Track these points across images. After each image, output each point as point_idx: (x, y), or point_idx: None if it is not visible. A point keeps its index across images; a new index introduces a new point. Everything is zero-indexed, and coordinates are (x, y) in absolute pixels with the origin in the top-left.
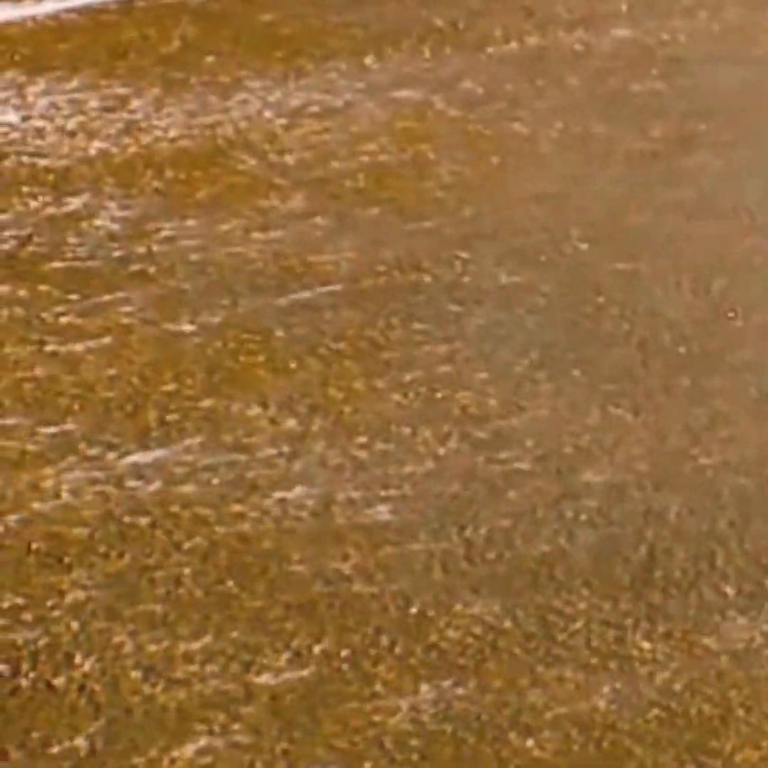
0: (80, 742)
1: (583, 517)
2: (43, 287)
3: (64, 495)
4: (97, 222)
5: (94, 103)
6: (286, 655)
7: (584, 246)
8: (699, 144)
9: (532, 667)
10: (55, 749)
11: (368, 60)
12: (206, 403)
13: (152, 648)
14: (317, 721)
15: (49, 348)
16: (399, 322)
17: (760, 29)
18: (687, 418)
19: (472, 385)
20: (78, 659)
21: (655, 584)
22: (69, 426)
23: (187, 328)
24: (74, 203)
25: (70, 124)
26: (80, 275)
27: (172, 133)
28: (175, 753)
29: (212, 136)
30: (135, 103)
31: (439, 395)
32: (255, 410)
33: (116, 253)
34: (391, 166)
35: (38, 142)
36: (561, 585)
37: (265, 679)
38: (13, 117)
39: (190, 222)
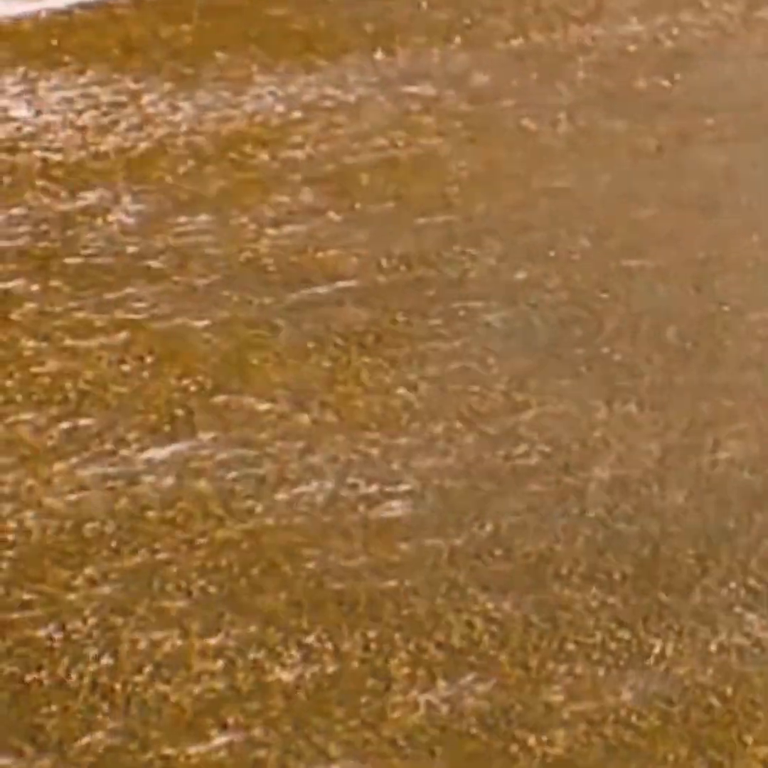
0: (95, 738)
1: (590, 513)
2: (56, 282)
3: (77, 490)
4: (110, 217)
5: (106, 98)
6: (299, 652)
7: (591, 242)
8: (705, 139)
9: (544, 664)
10: (69, 746)
11: (379, 55)
12: (218, 398)
13: (166, 644)
14: (331, 718)
15: (62, 343)
16: (408, 318)
17: (767, 25)
18: (693, 413)
19: (480, 380)
20: (92, 656)
21: (662, 580)
22: (82, 421)
23: (199, 323)
24: (87, 198)
25: (83, 119)
26: (93, 271)
27: (184, 128)
28: (190, 749)
29: (224, 130)
30: (147, 98)
31: (448, 391)
32: (266, 405)
33: (129, 249)
34: (402, 161)
35: (51, 137)
36: (569, 581)
37: (278, 675)
38: (25, 112)
39: (202, 217)
